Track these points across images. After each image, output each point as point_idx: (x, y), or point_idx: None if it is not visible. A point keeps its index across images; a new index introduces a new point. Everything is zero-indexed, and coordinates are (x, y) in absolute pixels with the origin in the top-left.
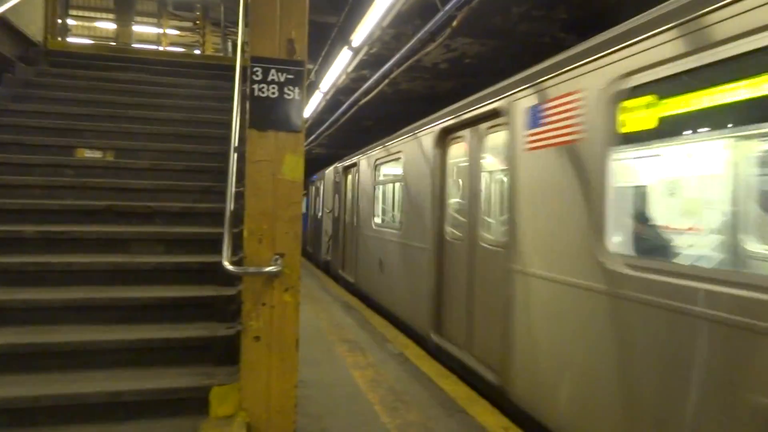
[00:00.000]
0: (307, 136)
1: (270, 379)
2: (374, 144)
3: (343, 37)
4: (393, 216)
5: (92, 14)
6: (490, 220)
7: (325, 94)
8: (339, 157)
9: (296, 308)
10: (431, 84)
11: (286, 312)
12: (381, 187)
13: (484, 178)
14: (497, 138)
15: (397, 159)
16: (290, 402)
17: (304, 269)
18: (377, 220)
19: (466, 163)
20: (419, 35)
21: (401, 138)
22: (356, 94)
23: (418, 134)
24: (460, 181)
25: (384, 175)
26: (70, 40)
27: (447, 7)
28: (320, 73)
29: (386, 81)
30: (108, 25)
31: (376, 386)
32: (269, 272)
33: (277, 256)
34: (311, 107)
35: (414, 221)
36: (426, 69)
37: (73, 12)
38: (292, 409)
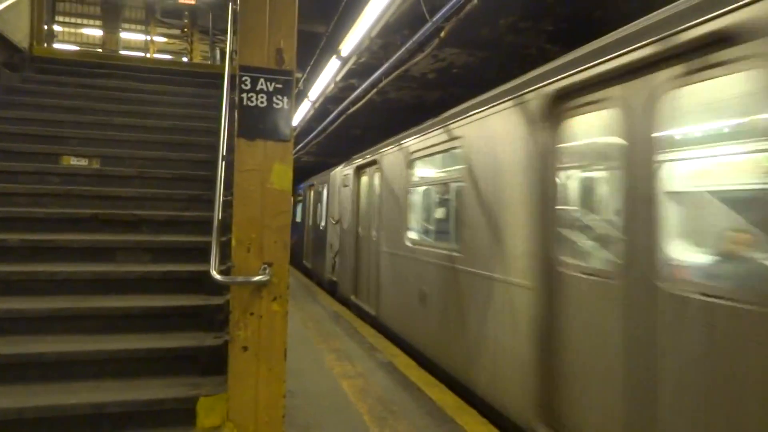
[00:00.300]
0: (296, 144)
1: (258, 390)
2: (407, 132)
3: (332, 47)
4: (443, 231)
5: (79, 20)
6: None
7: (314, 102)
8: (328, 165)
9: (284, 318)
10: (419, 93)
11: (274, 321)
12: (419, 189)
13: (666, 168)
14: (717, 88)
15: (452, 149)
16: (278, 413)
17: (294, 279)
18: (413, 235)
19: (618, 146)
20: (407, 45)
21: (461, 118)
22: (345, 103)
23: (496, 108)
24: (597, 177)
25: (424, 175)
26: (57, 46)
27: (435, 18)
28: (309, 82)
29: (374, 90)
30: (95, 32)
31: (365, 396)
32: (257, 281)
33: (266, 265)
34: (300, 115)
35: (487, 240)
36: (414, 79)
37: (60, 18)
38: (280, 420)
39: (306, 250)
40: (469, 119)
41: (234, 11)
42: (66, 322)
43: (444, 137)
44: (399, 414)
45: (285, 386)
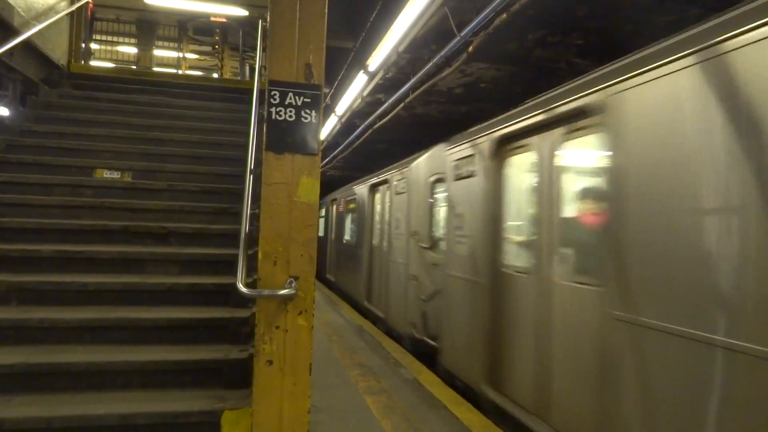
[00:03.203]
0: (323, 158)
1: (282, 404)
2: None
3: (360, 62)
4: None
5: (115, 39)
6: None
7: (341, 117)
8: (354, 179)
9: (310, 332)
10: (446, 108)
11: (300, 336)
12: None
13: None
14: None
15: None
16: (302, 428)
17: (319, 292)
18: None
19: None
20: (435, 60)
21: None
22: (371, 118)
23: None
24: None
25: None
26: (93, 63)
27: (463, 33)
28: (336, 97)
29: (401, 105)
30: (130, 50)
31: (390, 413)
32: (283, 295)
33: (292, 279)
34: (326, 130)
35: None
36: (441, 93)
37: (97, 36)
38: None
39: (367, 286)
40: None
41: (264, 28)
42: (95, 333)
43: None
44: None
45: (310, 401)
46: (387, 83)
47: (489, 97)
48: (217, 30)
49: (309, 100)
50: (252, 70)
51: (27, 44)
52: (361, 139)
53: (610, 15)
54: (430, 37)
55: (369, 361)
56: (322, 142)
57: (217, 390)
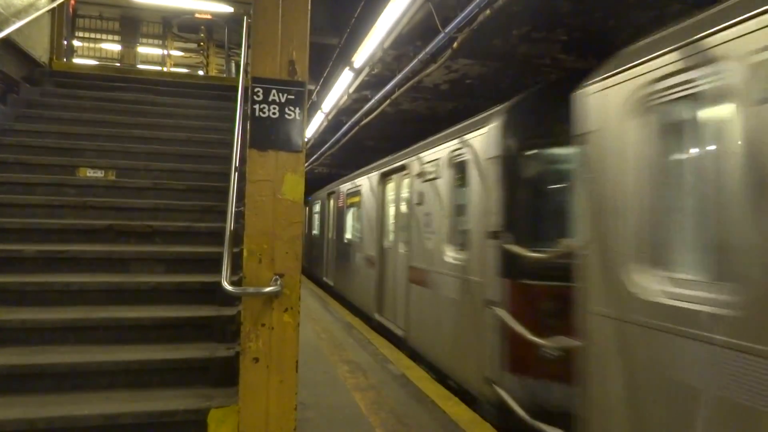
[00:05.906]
0: (310, 155)
1: (269, 402)
2: None
3: (345, 59)
4: None
5: (98, 36)
6: None
7: (327, 114)
8: (342, 176)
9: (296, 329)
10: (433, 105)
11: (286, 333)
12: None
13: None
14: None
15: None
16: (289, 425)
17: (307, 290)
18: None
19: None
20: (420, 56)
21: None
22: (358, 115)
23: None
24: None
25: None
26: (76, 61)
27: (447, 29)
28: (322, 94)
29: (388, 102)
30: (113, 47)
31: (378, 409)
32: (269, 292)
33: (277, 276)
34: (313, 127)
35: None
36: (427, 89)
37: (80, 34)
38: None
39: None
40: None
41: (248, 25)
42: (79, 333)
43: None
44: (412, 427)
45: (296, 398)
46: (373, 80)
47: (475, 93)
48: (202, 27)
49: (293, 96)
50: (237, 67)
51: (6, 42)
52: (348, 136)
53: (592, 11)
54: (415, 33)
55: (357, 357)
56: (309, 139)
57: (204, 388)
